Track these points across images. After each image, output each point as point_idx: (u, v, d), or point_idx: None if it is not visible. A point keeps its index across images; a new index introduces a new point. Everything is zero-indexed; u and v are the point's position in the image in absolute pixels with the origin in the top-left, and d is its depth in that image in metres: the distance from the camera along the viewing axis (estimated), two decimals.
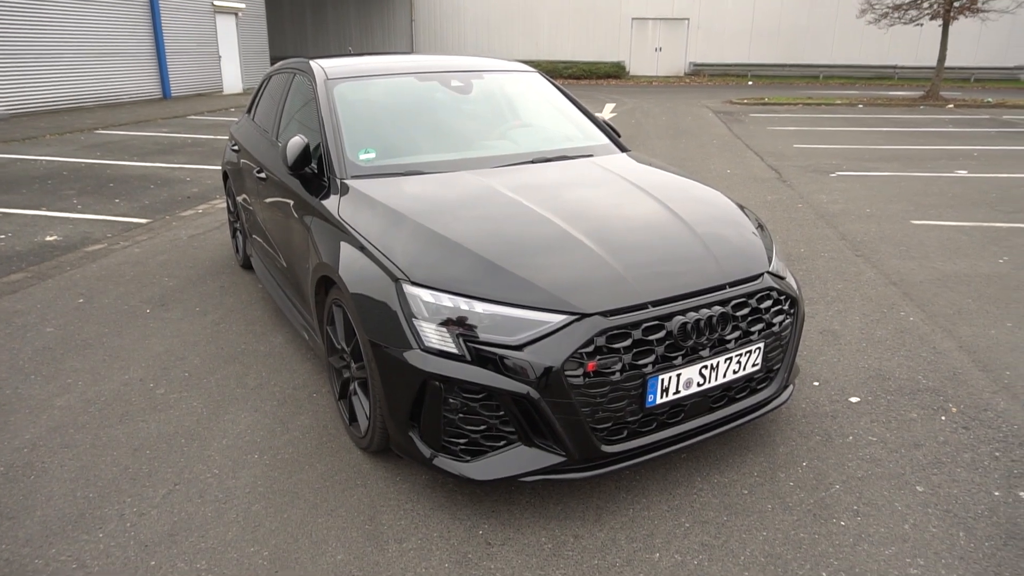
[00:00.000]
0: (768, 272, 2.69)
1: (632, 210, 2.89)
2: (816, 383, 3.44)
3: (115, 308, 4.44)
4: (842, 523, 2.44)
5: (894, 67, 28.40)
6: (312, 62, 3.82)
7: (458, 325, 2.30)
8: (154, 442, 2.95)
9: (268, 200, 3.87)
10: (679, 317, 2.37)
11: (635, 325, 2.30)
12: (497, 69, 4.10)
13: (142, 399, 3.31)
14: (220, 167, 5.52)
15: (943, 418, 3.11)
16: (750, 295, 2.56)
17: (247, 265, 5.05)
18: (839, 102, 19.17)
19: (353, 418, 2.85)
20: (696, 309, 2.41)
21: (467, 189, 2.98)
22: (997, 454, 2.84)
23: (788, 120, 15.24)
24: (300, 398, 3.31)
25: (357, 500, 2.57)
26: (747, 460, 2.81)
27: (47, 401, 3.29)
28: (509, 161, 3.34)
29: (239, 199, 4.82)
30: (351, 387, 2.84)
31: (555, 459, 2.33)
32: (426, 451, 2.41)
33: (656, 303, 2.37)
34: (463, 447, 2.37)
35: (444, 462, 2.38)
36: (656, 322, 2.34)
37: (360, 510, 2.51)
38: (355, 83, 3.59)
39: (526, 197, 2.86)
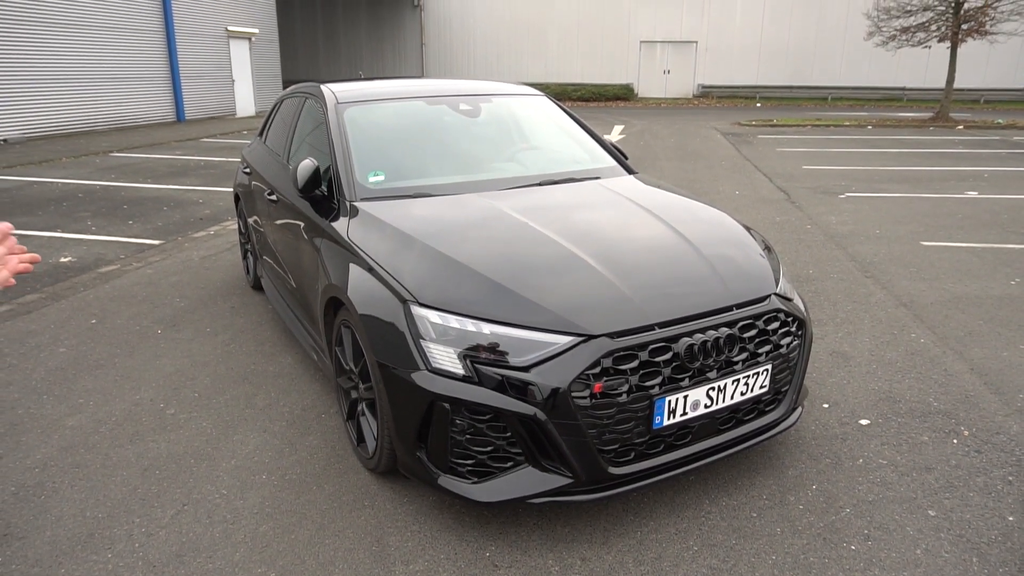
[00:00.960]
0: (775, 294, 2.69)
1: (639, 232, 2.91)
2: (826, 405, 3.42)
3: (127, 328, 4.48)
4: (853, 547, 2.41)
5: (903, 89, 28.45)
6: (323, 86, 3.89)
7: (465, 346, 2.31)
8: (163, 462, 2.97)
9: (279, 222, 3.92)
10: (686, 339, 2.37)
11: (642, 347, 2.31)
12: (506, 93, 4.16)
13: (152, 419, 3.33)
14: (232, 189, 5.59)
15: (955, 441, 3.09)
16: (757, 317, 2.56)
17: (258, 286, 5.09)
18: (848, 123, 19.21)
19: (361, 439, 2.86)
20: (703, 331, 2.41)
21: (475, 211, 3.01)
22: (1011, 478, 2.81)
23: (797, 141, 15.28)
24: (309, 419, 3.32)
25: (364, 521, 2.57)
26: (756, 483, 2.79)
27: (59, 421, 3.31)
28: (517, 183, 3.37)
29: (250, 221, 4.87)
30: (359, 408, 2.86)
31: (562, 481, 2.32)
32: (433, 472, 2.41)
33: (663, 324, 2.37)
34: (470, 468, 2.37)
35: (451, 483, 2.38)
36: (663, 344, 2.34)
37: (367, 531, 2.51)
38: (365, 107, 3.65)
39: (534, 219, 2.89)
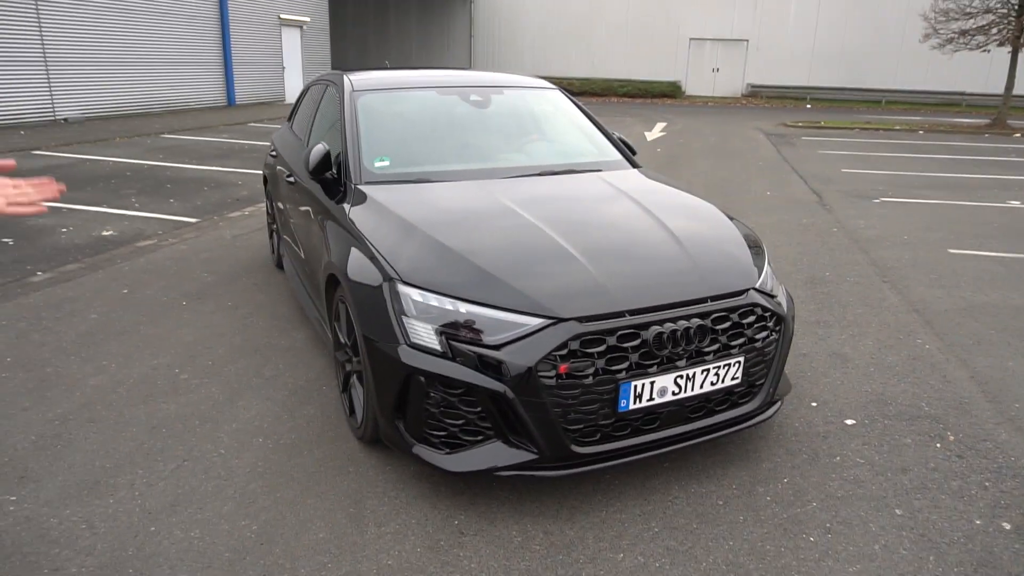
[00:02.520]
0: (755, 288, 2.75)
1: (625, 223, 2.99)
2: (814, 404, 3.45)
3: (155, 299, 4.74)
4: (811, 539, 2.47)
5: (962, 94, 27.50)
6: (345, 75, 4.05)
7: (442, 324, 2.44)
8: (171, 422, 3.18)
9: (296, 203, 4.10)
10: (656, 327, 2.45)
11: (610, 332, 2.40)
12: (518, 85, 4.26)
13: (166, 383, 3.55)
14: (262, 171, 5.83)
15: (938, 445, 3.09)
16: (732, 310, 2.62)
17: (280, 264, 5.31)
18: (898, 128, 18.70)
19: (353, 410, 3.02)
20: (674, 320, 2.49)
21: (469, 198, 3.13)
22: (987, 484, 2.81)
23: (842, 144, 14.97)
24: (310, 390, 3.50)
25: (347, 485, 2.72)
26: (728, 473, 2.85)
27: (82, 380, 3.56)
28: (516, 173, 3.48)
29: (276, 202, 5.09)
30: (351, 380, 3.01)
31: (528, 456, 2.43)
32: (409, 441, 2.56)
33: (633, 312, 2.46)
34: (443, 439, 2.51)
35: (424, 452, 2.52)
36: (632, 330, 2.43)
37: (348, 494, 2.67)
38: (378, 95, 3.80)
39: (525, 208, 2.99)
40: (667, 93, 29.50)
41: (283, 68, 21.57)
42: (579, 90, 29.15)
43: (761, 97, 29.50)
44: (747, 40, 29.64)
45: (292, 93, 21.99)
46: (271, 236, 5.59)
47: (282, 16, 21.11)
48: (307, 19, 22.34)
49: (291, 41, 21.83)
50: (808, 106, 27.10)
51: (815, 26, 28.83)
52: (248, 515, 2.54)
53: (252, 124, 15.74)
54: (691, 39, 30.15)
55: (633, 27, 30.50)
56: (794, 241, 6.63)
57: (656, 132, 16.73)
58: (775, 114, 23.45)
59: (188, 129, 14.19)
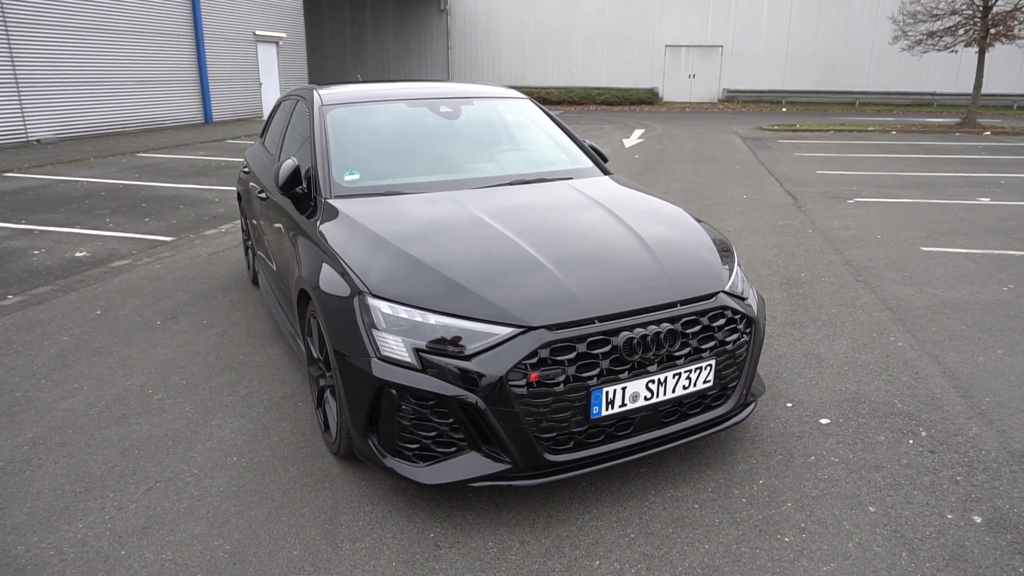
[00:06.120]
0: (724, 291, 2.77)
1: (594, 230, 3.01)
2: (789, 404, 3.47)
3: (129, 320, 4.69)
4: (786, 539, 2.48)
5: (933, 94, 27.98)
6: (314, 89, 4.05)
7: (413, 336, 2.43)
8: (144, 443, 3.14)
9: (268, 219, 4.08)
10: (625, 332, 2.46)
11: (580, 339, 2.40)
12: (488, 96, 4.28)
13: (139, 403, 3.51)
14: (235, 188, 5.80)
15: (911, 441, 3.12)
16: (702, 313, 2.64)
17: (256, 281, 5.28)
18: (872, 128, 18.97)
19: (327, 425, 3.00)
20: (644, 325, 2.50)
21: (438, 210, 3.13)
22: (959, 478, 2.85)
23: (816, 146, 15.15)
24: (285, 406, 3.47)
25: (321, 501, 2.70)
26: (704, 476, 2.86)
27: (53, 403, 3.51)
28: (486, 183, 3.49)
29: (250, 219, 5.06)
30: (325, 395, 2.99)
31: (502, 466, 2.43)
32: (382, 455, 2.54)
33: (603, 319, 2.47)
34: (416, 452, 2.50)
35: (397, 465, 2.51)
36: (601, 336, 2.44)
37: (322, 511, 2.64)
38: (348, 109, 3.80)
39: (494, 218, 3.00)
40: (645, 100, 29.74)
41: (260, 84, 21.50)
42: (558, 99, 29.32)
43: (737, 102, 29.82)
44: (722, 46, 29.98)
45: (269, 109, 21.91)
46: (246, 253, 5.56)
47: (257, 32, 21.06)
48: (283, 35, 22.31)
49: (267, 57, 21.78)
50: (784, 109, 27.44)
51: (788, 31, 29.23)
52: (221, 535, 2.51)
53: (229, 141, 15.66)
54: (667, 46, 30.44)
55: (609, 35, 30.74)
56: (770, 243, 6.69)
57: (634, 139, 16.84)
58: (751, 118, 23.71)
59: (164, 147, 14.09)
